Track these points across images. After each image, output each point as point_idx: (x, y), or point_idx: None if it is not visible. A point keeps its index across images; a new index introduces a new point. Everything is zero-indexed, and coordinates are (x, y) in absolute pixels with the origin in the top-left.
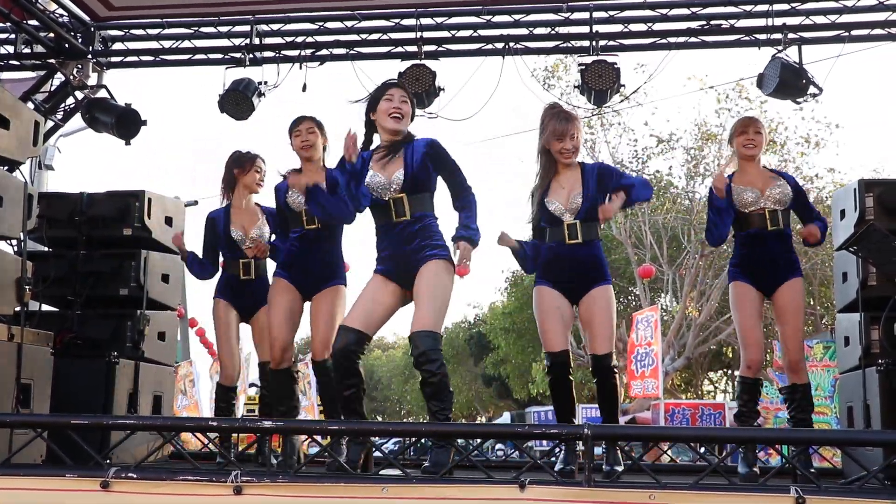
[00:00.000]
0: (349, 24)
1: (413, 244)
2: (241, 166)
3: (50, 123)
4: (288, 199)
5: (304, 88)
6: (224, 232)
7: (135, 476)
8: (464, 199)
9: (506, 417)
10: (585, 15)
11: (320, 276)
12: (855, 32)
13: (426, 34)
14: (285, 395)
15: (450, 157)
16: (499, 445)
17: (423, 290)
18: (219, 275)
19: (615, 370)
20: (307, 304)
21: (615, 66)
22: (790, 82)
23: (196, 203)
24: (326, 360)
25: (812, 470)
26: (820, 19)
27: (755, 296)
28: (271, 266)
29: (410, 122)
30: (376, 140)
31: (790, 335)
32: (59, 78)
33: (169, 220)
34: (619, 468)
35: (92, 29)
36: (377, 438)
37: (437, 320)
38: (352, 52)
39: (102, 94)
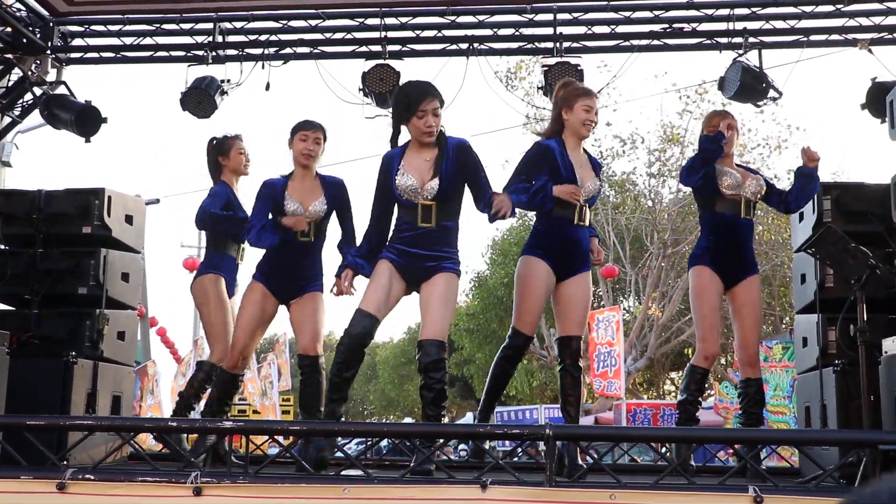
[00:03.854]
0: (313, 22)
1: (432, 250)
2: (224, 153)
3: (7, 120)
4: (287, 205)
5: (267, 87)
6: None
7: (92, 477)
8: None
9: (468, 418)
10: (549, 16)
11: (302, 282)
12: (813, 38)
13: (390, 34)
14: (226, 398)
15: (479, 160)
16: (461, 445)
17: (436, 299)
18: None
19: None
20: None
21: (578, 67)
22: (751, 86)
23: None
24: (321, 354)
25: (763, 467)
26: (780, 24)
27: (719, 286)
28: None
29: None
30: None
31: (750, 329)
32: (16, 73)
33: (129, 219)
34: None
35: (51, 24)
36: (340, 439)
37: (446, 330)
38: (316, 51)
39: (62, 90)
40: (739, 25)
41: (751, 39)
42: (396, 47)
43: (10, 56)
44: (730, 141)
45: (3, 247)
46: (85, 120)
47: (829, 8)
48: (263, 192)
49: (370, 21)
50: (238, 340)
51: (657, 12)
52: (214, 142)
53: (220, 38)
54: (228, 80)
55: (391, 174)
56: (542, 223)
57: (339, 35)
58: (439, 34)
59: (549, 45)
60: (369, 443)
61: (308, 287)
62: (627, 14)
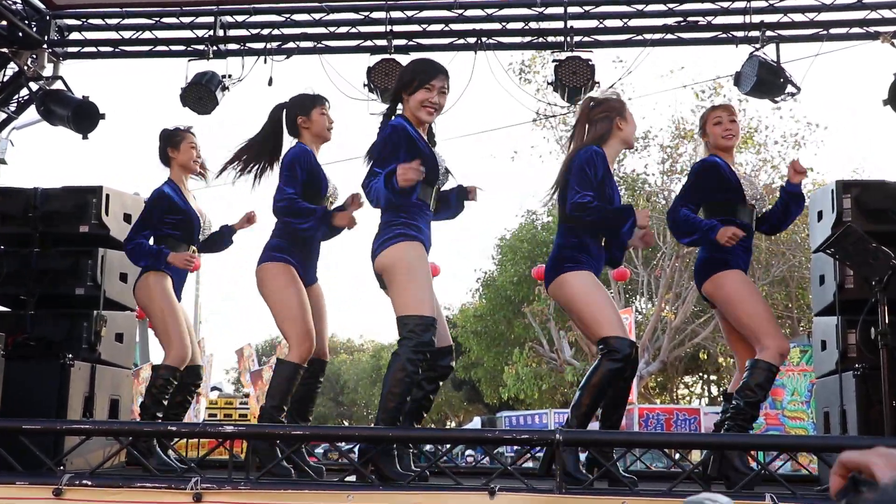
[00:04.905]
0: (317, 16)
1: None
2: (174, 145)
3: (2, 115)
4: (328, 187)
5: (269, 82)
6: None
7: (90, 483)
8: None
9: (476, 423)
10: (560, 10)
11: (313, 269)
12: (833, 31)
13: (396, 28)
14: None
15: None
16: (469, 451)
17: (438, 306)
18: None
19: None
20: None
21: (590, 62)
22: (768, 81)
23: None
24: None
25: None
26: (798, 17)
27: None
28: None
29: None
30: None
31: None
32: (12, 68)
33: (128, 217)
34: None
35: (48, 17)
36: (344, 444)
37: None
38: (319, 45)
39: (58, 85)
40: (756, 18)
41: (768, 33)
42: (402, 41)
43: (5, 50)
44: (734, 133)
45: None
46: (82, 116)
47: (850, 0)
48: (304, 158)
49: (375, 14)
50: (311, 329)
51: (671, 5)
52: (165, 134)
53: (221, 32)
54: (230, 76)
55: (419, 145)
56: (580, 235)
57: (343, 29)
58: (446, 28)
59: (560, 39)
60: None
61: (314, 276)
62: (640, 7)
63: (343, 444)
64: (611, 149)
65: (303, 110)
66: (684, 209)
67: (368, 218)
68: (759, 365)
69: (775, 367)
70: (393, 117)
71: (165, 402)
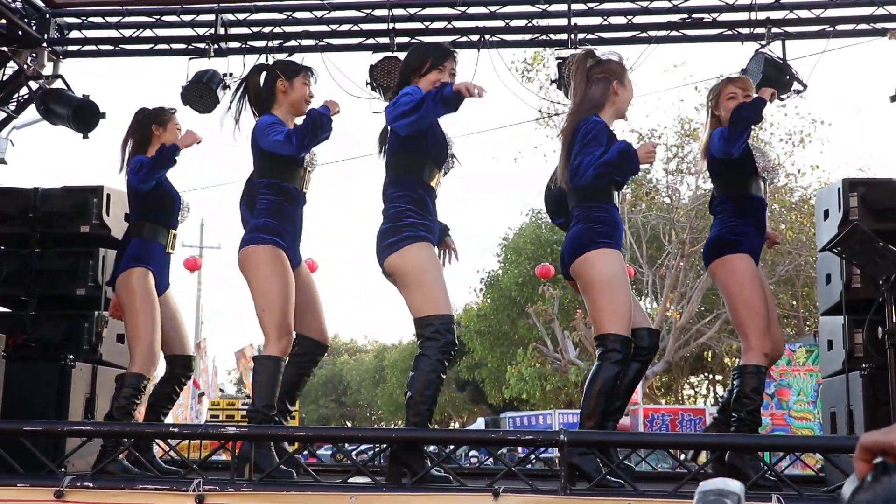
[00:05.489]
0: (319, 14)
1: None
2: (161, 124)
3: (2, 115)
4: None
5: None
6: None
7: (91, 485)
8: None
9: (480, 423)
10: (563, 7)
11: (298, 249)
12: (840, 27)
13: (398, 25)
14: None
15: None
16: (472, 452)
17: None
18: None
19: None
20: None
21: None
22: (774, 78)
23: None
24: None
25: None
26: (804, 13)
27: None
28: None
29: None
30: None
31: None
32: (11, 67)
33: (129, 217)
34: None
35: (47, 16)
36: (348, 445)
37: None
38: (321, 43)
39: (58, 84)
40: (762, 15)
41: (774, 30)
42: (405, 39)
43: (4, 49)
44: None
45: None
46: (83, 115)
47: None
48: (282, 128)
49: (378, 12)
50: (291, 323)
51: (676, 2)
52: (149, 112)
53: (222, 31)
54: (231, 74)
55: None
56: (610, 210)
57: (345, 27)
58: (449, 25)
59: (564, 36)
60: (377, 449)
61: (300, 256)
62: (645, 4)
63: (346, 444)
64: (605, 116)
65: (287, 74)
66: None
67: (369, 217)
68: (747, 370)
69: (763, 368)
70: None
71: (135, 413)
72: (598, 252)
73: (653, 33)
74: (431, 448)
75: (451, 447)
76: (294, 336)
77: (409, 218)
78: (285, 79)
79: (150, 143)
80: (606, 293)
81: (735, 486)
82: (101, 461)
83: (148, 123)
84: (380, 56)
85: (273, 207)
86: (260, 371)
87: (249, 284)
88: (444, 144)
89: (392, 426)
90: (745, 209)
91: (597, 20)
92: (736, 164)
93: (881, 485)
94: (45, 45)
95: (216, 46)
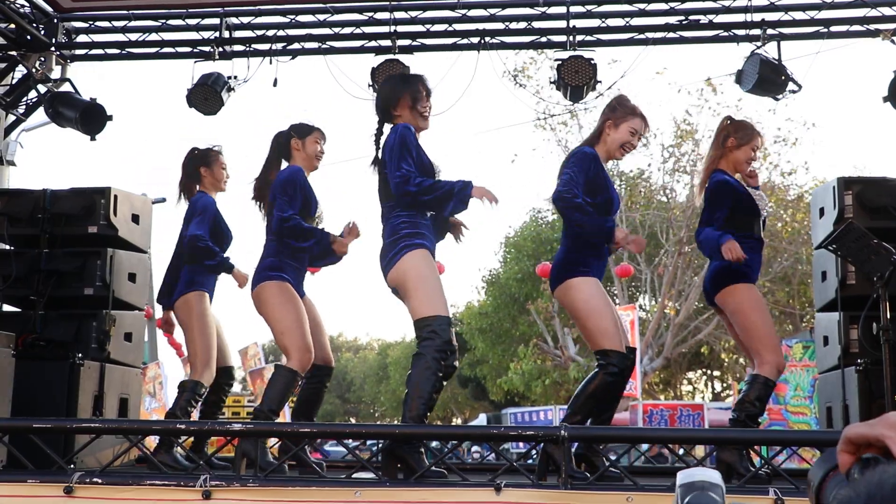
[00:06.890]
0: (321, 17)
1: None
2: (208, 164)
3: (11, 118)
4: (317, 208)
5: (275, 83)
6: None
7: (100, 481)
8: None
9: (482, 419)
10: (562, 9)
11: (304, 279)
12: (834, 28)
13: (400, 28)
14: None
15: None
16: (475, 448)
17: None
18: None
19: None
20: None
21: (592, 61)
22: (770, 79)
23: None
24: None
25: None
26: (799, 15)
27: None
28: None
29: None
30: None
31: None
32: (20, 71)
33: (136, 218)
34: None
35: (55, 20)
36: (351, 441)
37: None
38: (324, 46)
39: (66, 87)
40: (757, 17)
41: (769, 31)
42: (406, 42)
43: (13, 53)
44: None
45: (7, 247)
46: (90, 118)
47: None
48: (300, 179)
49: (379, 15)
50: (311, 343)
51: (673, 4)
52: (196, 151)
53: (226, 34)
54: (235, 77)
55: (422, 152)
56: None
57: (347, 30)
58: (450, 28)
59: (562, 38)
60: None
61: (303, 289)
62: (642, 6)
63: (350, 441)
64: (600, 150)
65: (300, 133)
66: (706, 229)
67: (371, 216)
68: (759, 380)
69: (772, 382)
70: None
71: (192, 413)
72: (570, 283)
73: (650, 35)
74: (434, 444)
75: (454, 442)
76: None
77: (403, 230)
78: (298, 137)
79: (199, 182)
80: (591, 317)
81: (715, 476)
82: (157, 451)
83: (196, 164)
84: (382, 58)
85: (279, 248)
86: (277, 378)
87: (266, 317)
88: (431, 169)
89: (395, 423)
90: (753, 248)
91: (595, 22)
92: (740, 210)
93: (865, 479)
94: (53, 49)
95: (221, 49)
